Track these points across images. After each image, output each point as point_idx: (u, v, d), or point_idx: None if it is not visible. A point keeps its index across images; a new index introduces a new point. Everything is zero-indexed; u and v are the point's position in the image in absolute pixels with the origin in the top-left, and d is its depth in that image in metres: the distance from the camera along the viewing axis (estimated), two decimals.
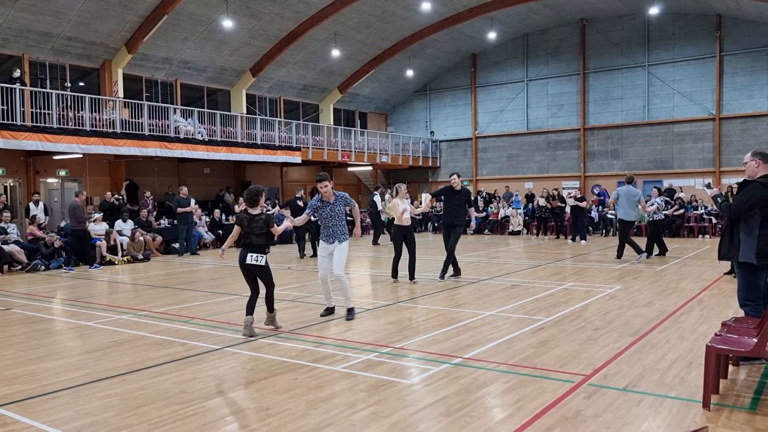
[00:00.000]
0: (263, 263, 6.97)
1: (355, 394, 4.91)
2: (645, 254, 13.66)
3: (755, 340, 4.46)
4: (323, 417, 4.41)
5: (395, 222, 11.11)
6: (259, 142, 22.76)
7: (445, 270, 11.27)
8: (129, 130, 18.66)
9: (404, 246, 11.00)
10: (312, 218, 8.45)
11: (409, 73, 29.63)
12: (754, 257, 5.33)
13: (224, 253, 7.63)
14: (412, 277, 10.98)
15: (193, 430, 4.21)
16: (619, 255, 13.98)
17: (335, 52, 25.24)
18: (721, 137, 24.70)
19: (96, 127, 17.92)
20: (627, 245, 13.75)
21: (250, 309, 6.97)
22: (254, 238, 6.97)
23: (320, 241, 7.99)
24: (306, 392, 4.95)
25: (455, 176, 11.37)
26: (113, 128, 18.28)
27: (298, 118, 27.58)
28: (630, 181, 14.03)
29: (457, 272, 11.51)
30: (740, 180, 5.78)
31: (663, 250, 14.70)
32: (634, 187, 14.00)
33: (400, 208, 10.84)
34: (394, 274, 11.18)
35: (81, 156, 18.84)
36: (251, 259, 6.91)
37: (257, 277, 7.06)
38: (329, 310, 8.10)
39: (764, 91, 23.92)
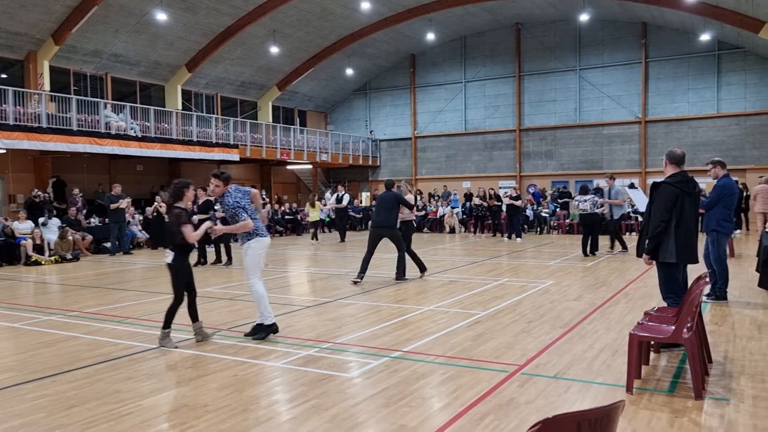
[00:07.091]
0: (169, 261, 6.41)
1: (296, 388, 4.93)
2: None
3: (673, 327, 4.76)
4: (263, 412, 4.41)
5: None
6: (195, 138, 22.27)
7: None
8: (56, 125, 17.88)
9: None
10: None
11: (349, 71, 29.63)
12: (674, 257, 5.67)
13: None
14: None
15: (128, 429, 4.13)
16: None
17: (274, 49, 24.97)
18: (646, 139, 25.95)
19: (20, 121, 17.08)
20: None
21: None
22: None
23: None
24: (246, 388, 4.93)
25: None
26: (39, 123, 17.48)
27: (235, 115, 27.13)
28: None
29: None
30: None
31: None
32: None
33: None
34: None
35: (4, 151, 17.94)
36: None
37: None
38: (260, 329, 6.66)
39: (685, 97, 25.30)
